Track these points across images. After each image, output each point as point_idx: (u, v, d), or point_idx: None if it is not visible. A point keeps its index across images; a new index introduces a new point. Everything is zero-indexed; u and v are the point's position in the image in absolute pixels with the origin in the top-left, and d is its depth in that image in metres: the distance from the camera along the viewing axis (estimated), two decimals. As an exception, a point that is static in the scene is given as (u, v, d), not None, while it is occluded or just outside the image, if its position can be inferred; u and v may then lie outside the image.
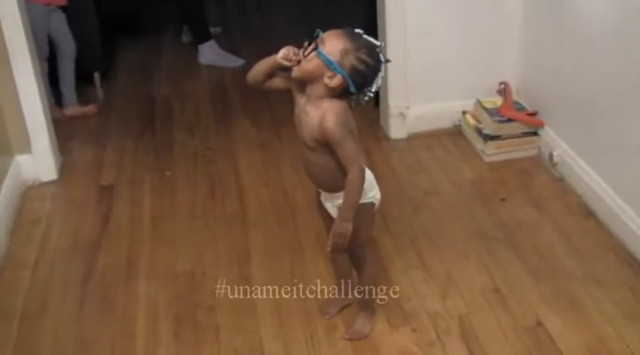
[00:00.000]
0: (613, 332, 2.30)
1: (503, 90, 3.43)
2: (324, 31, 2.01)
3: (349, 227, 2.04)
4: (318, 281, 2.57)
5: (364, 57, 1.97)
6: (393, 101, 3.47)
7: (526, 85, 3.46)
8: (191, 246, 2.82)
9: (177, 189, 3.20)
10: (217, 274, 2.65)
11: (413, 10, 3.30)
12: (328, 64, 1.95)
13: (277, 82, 2.14)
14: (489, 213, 2.93)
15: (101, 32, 4.16)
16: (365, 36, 2.00)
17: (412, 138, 3.51)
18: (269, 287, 2.56)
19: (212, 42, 4.61)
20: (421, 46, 3.37)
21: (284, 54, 2.04)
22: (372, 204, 2.17)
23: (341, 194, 2.07)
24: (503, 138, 3.29)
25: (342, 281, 2.43)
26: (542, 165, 3.24)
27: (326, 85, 1.97)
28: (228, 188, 3.19)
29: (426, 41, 3.37)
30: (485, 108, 3.38)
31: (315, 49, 1.96)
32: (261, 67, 2.11)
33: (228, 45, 4.71)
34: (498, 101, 3.42)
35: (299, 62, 2.00)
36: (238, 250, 2.78)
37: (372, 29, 3.45)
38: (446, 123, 3.54)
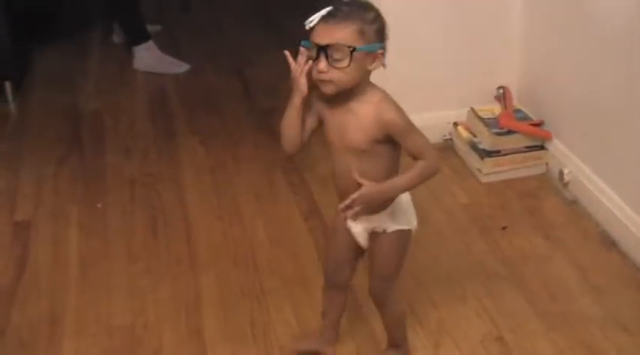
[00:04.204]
0: (641, 387, 2.33)
1: (502, 96, 3.47)
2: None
3: (380, 198, 2.07)
4: (285, 333, 2.56)
5: (374, 14, 2.00)
6: (371, 112, 3.47)
7: (529, 88, 3.49)
8: (129, 294, 2.80)
9: (111, 225, 3.18)
10: (162, 327, 2.63)
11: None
12: (369, 51, 1.97)
13: (310, 124, 2.15)
14: (489, 245, 2.94)
15: (12, 32, 4.12)
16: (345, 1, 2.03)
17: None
18: (225, 341, 2.54)
19: (150, 43, 4.60)
20: (403, 45, 3.36)
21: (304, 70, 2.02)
22: (408, 231, 2.21)
23: (380, 215, 2.13)
24: (504, 154, 3.32)
25: (329, 324, 2.45)
26: (551, 186, 3.27)
27: (368, 73, 2.00)
28: (172, 222, 3.17)
29: (408, 39, 3.38)
30: (480, 119, 3.41)
31: (353, 51, 1.93)
32: (291, 123, 2.10)
33: (170, 47, 4.70)
34: (496, 109, 3.45)
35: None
36: (187, 297, 2.76)
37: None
38: (434, 137, 3.50)
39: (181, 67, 4.52)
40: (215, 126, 3.86)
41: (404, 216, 2.18)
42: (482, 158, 3.32)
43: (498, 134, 3.31)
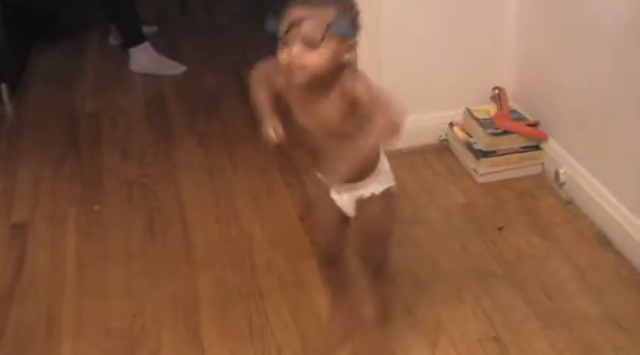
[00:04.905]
0: (639, 386, 2.33)
1: (498, 97, 3.46)
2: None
3: (366, 154, 1.99)
4: (283, 333, 2.56)
5: (351, 2, 1.96)
6: (367, 112, 3.46)
7: (525, 89, 3.49)
8: (127, 295, 2.80)
9: (109, 226, 3.18)
10: (160, 328, 2.63)
11: (387, 1, 3.32)
12: (344, 36, 1.90)
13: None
14: (486, 245, 2.94)
15: (7, 33, 4.12)
16: None
17: (390, 156, 3.46)
18: (223, 342, 2.55)
19: (146, 44, 4.60)
20: (398, 46, 3.39)
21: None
22: (392, 188, 2.19)
23: (366, 181, 2.11)
24: (499, 154, 3.32)
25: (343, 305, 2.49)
26: (547, 186, 3.27)
27: (341, 65, 1.93)
28: (170, 223, 3.17)
29: (403, 40, 3.38)
30: (476, 119, 3.40)
31: (327, 31, 1.86)
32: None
33: (167, 48, 4.71)
34: (492, 110, 3.44)
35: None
36: (184, 298, 2.76)
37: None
38: (430, 137, 3.57)
39: (178, 69, 4.52)
40: (212, 128, 3.86)
41: (387, 175, 2.17)
42: (478, 158, 3.31)
43: (494, 134, 3.31)
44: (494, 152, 3.31)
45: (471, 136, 3.41)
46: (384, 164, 2.16)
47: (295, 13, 1.88)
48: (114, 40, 4.90)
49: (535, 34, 3.34)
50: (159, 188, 3.41)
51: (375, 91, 1.94)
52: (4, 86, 4.17)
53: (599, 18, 2.86)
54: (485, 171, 3.31)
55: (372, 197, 2.15)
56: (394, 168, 3.35)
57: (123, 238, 3.10)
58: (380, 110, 1.90)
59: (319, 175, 2.20)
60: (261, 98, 2.11)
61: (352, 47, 1.94)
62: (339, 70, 1.94)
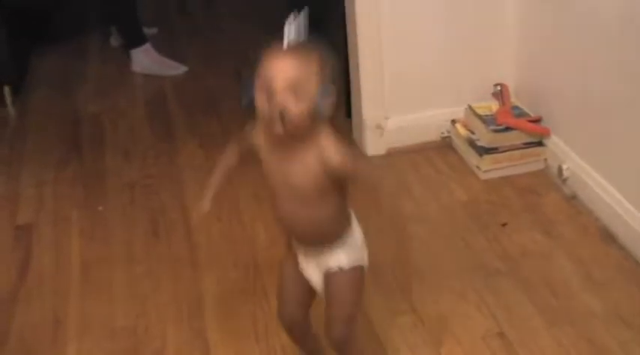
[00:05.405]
0: (644, 381, 2.32)
1: (500, 93, 3.46)
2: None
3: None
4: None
5: (328, 54, 1.88)
6: (368, 111, 3.48)
7: (527, 85, 3.49)
8: (131, 296, 2.80)
9: (112, 228, 3.18)
10: (164, 328, 2.63)
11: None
12: (326, 94, 1.83)
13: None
14: (489, 242, 2.94)
15: (9, 35, 4.12)
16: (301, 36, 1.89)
17: (392, 154, 3.52)
18: (228, 342, 2.55)
19: (147, 46, 4.60)
20: (400, 44, 3.39)
21: None
22: (362, 268, 2.09)
23: (332, 248, 2.02)
24: (502, 151, 3.31)
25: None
26: (550, 182, 3.27)
27: (317, 119, 1.86)
28: (173, 224, 3.17)
29: (405, 37, 3.38)
30: (478, 116, 3.40)
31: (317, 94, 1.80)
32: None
33: (168, 48, 4.70)
34: (494, 106, 3.45)
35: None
36: (189, 298, 2.76)
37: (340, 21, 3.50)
38: (432, 135, 3.56)
39: (179, 69, 4.52)
40: (214, 128, 3.86)
41: (358, 252, 2.05)
42: (480, 155, 3.31)
43: (496, 131, 3.31)
44: (496, 149, 3.30)
45: (473, 133, 3.41)
46: (354, 237, 2.06)
47: (278, 67, 1.81)
48: (115, 41, 4.90)
49: (536, 30, 3.34)
50: (161, 189, 3.42)
51: (348, 156, 1.91)
52: (6, 89, 4.17)
53: (602, 13, 2.86)
54: (487, 168, 3.30)
55: (340, 272, 2.03)
56: (397, 167, 3.41)
57: (126, 239, 3.10)
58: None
59: (292, 242, 2.12)
60: (218, 166, 2.21)
61: (331, 100, 1.86)
62: (316, 125, 1.87)
